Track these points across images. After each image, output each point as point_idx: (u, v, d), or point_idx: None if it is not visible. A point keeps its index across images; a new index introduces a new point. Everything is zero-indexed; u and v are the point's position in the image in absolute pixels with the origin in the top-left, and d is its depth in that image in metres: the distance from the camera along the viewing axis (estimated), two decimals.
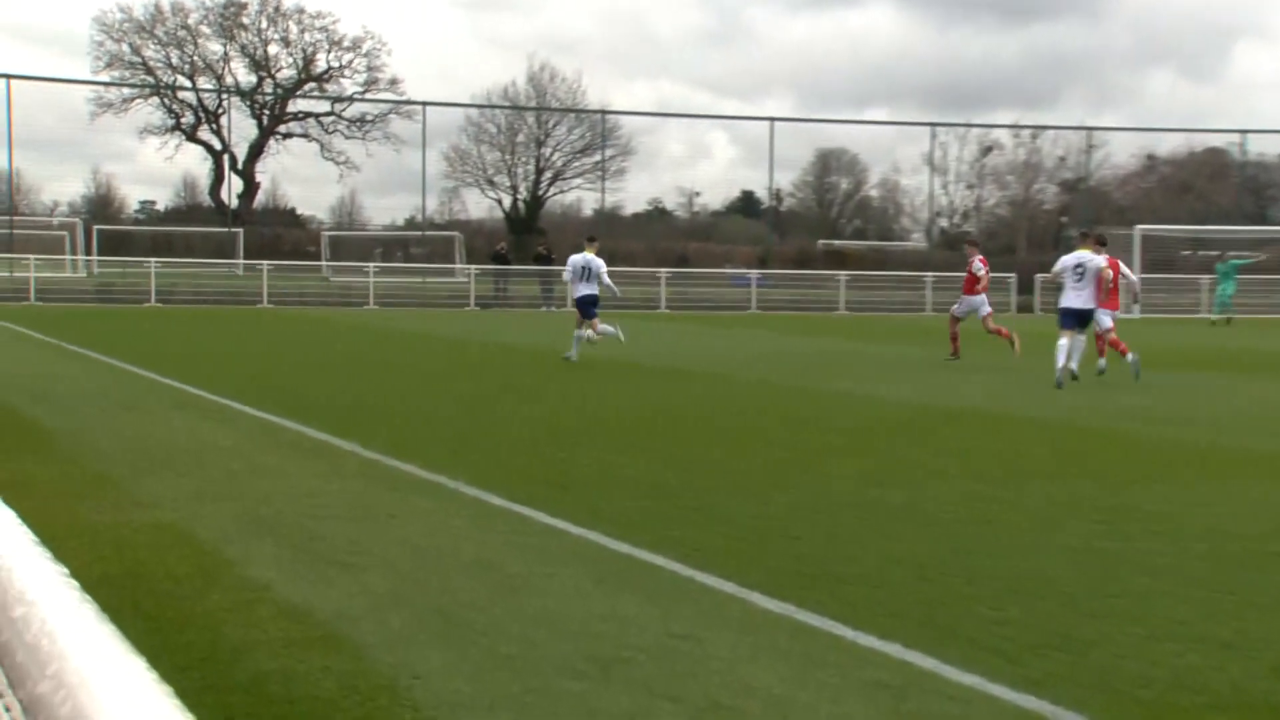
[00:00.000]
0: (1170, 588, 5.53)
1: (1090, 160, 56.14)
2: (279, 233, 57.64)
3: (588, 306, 18.00)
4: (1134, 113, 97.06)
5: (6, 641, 0.92)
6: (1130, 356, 16.03)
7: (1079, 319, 15.56)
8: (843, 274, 41.94)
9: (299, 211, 66.79)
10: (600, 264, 17.99)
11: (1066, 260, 15.97)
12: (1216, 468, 9.00)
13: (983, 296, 19.39)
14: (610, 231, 57.20)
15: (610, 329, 18.08)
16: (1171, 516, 7.11)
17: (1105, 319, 16.46)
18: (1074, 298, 15.68)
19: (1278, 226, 52.50)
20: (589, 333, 17.86)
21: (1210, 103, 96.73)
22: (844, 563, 5.88)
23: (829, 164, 75.83)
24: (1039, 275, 45.04)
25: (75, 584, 1.02)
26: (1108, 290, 16.44)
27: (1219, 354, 21.72)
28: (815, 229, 68.50)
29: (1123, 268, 17.38)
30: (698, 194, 74.10)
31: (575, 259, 18.16)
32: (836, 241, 62.54)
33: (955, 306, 19.85)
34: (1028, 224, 65.03)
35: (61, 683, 0.80)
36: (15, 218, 47.52)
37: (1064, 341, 15.36)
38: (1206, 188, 60.09)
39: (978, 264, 19.37)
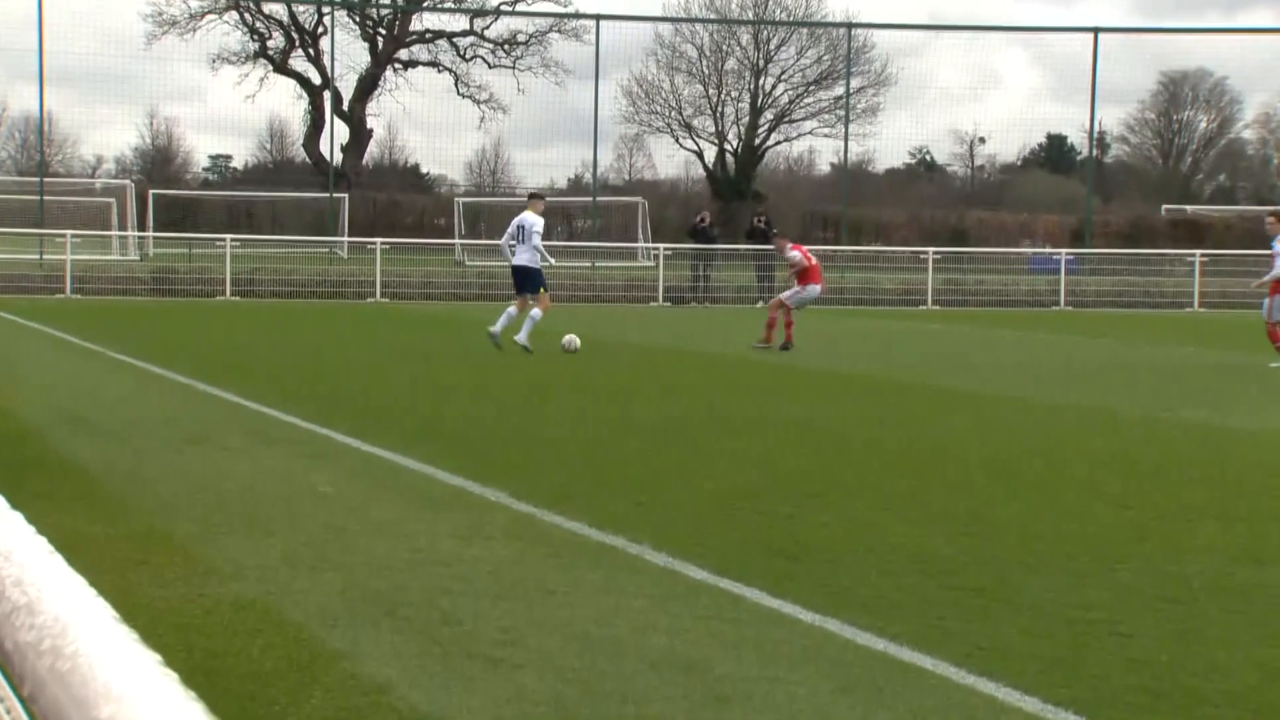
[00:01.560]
0: None
1: None
2: (397, 199, 59.49)
3: (523, 279, 20.62)
4: None
5: None
6: None
7: None
8: (1198, 253, 40.83)
9: (424, 170, 68.86)
10: (536, 224, 20.51)
11: None
12: None
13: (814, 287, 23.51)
14: (856, 195, 57.09)
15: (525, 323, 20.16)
16: None
17: None
18: None
19: None
20: (535, 313, 20.32)
21: None
22: (1203, 674, 5.74)
23: (1180, 94, 73.91)
24: None
25: (175, 676, 1.10)
26: None
27: None
28: (1158, 189, 66.88)
29: None
30: (983, 140, 73.38)
31: (516, 219, 21.00)
32: (1190, 207, 60.91)
33: (788, 294, 23.52)
34: None
35: None
36: (47, 179, 50.07)
37: None
38: None
39: (794, 253, 23.41)
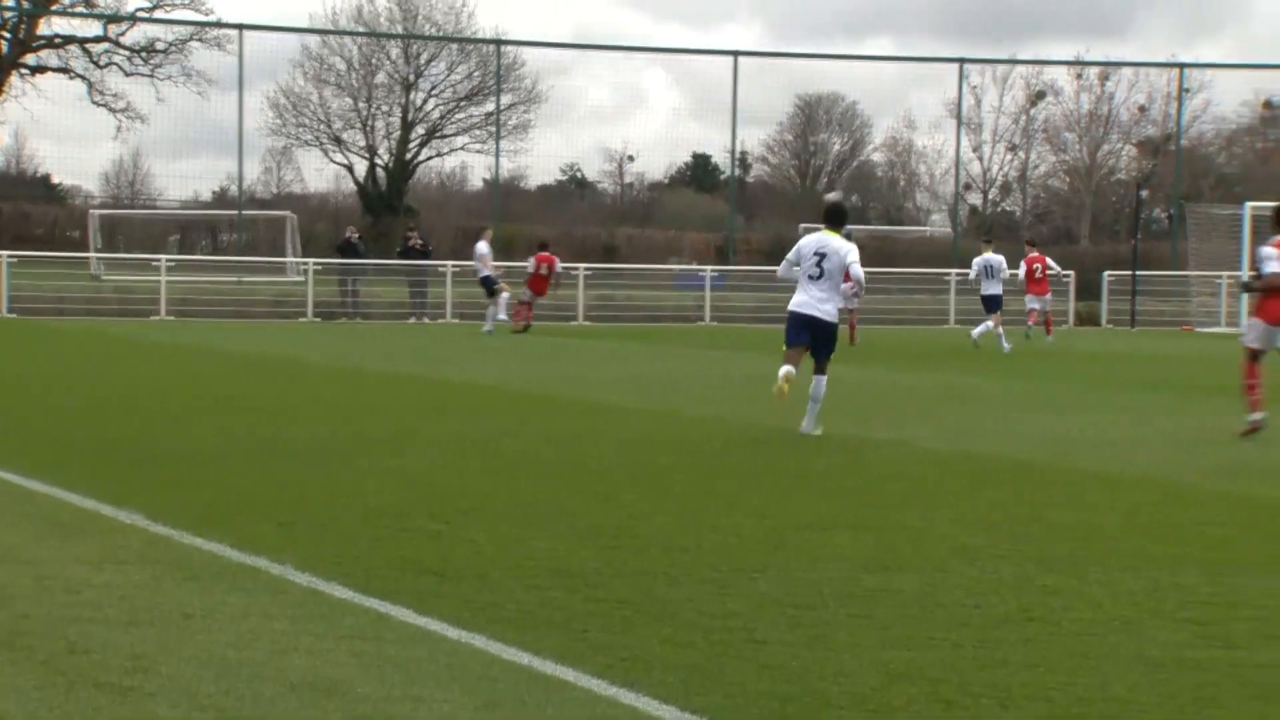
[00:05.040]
0: None
1: (1182, 111, 57.15)
2: (26, 210, 57.05)
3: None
4: (1242, 43, 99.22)
5: None
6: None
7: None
8: None
9: (56, 180, 66.18)
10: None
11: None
12: None
13: None
14: (509, 211, 57.39)
15: None
16: None
17: None
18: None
19: None
20: None
21: None
22: (832, 678, 5.93)
23: (815, 117, 76.73)
24: (1109, 273, 45.82)
25: None
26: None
27: None
28: (795, 207, 69.16)
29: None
30: (631, 158, 74.62)
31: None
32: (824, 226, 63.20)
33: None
34: (1093, 200, 66.13)
35: None
36: None
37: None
38: None
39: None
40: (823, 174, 78.84)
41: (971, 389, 20.54)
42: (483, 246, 34.43)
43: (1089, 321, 44.65)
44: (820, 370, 14.41)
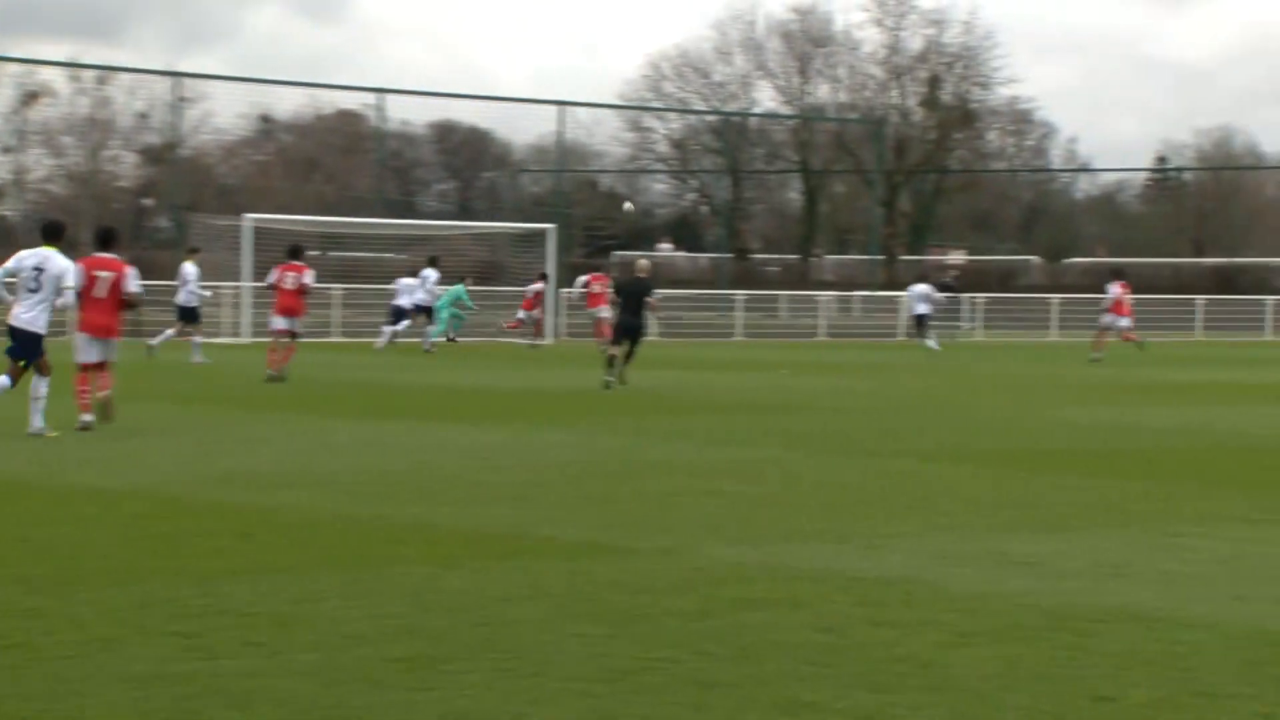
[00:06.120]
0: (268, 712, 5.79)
1: (182, 119, 57.75)
2: None
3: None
4: (238, 58, 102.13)
5: None
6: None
7: None
8: None
9: None
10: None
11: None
12: (353, 548, 9.57)
13: None
14: None
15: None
16: (283, 618, 7.46)
17: None
18: None
19: (432, 221, 57.83)
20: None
21: (336, 50, 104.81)
22: None
23: None
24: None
25: None
26: None
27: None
28: None
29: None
30: None
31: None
32: None
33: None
34: (97, 207, 65.34)
35: None
36: None
37: None
38: (340, 165, 64.73)
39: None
40: None
41: None
42: None
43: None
44: (40, 371, 15.18)
